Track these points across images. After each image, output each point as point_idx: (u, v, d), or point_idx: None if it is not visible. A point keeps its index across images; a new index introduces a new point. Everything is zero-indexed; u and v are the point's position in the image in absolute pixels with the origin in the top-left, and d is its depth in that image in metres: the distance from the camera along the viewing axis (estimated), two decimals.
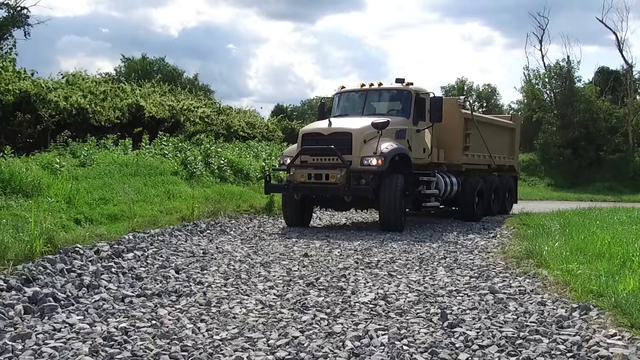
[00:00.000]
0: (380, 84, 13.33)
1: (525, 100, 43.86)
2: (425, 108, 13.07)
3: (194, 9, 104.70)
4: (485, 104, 49.17)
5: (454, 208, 15.42)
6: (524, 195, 27.59)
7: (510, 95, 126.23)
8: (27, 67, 18.89)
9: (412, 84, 13.09)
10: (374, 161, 11.28)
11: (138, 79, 37.86)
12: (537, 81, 41.36)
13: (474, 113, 15.84)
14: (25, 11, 33.57)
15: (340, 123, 12.12)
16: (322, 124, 12.36)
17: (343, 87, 14.05)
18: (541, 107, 40.24)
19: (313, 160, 11.79)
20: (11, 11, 32.82)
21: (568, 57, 39.54)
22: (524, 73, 53.11)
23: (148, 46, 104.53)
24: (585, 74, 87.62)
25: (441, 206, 14.32)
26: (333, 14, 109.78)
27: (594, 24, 75.72)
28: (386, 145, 11.46)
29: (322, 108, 14.70)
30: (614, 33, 39.17)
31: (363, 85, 13.61)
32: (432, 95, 13.03)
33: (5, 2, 32.58)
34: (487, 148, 15.73)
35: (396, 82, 13.29)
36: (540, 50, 44.01)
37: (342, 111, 13.56)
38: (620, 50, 39.24)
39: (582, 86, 39.46)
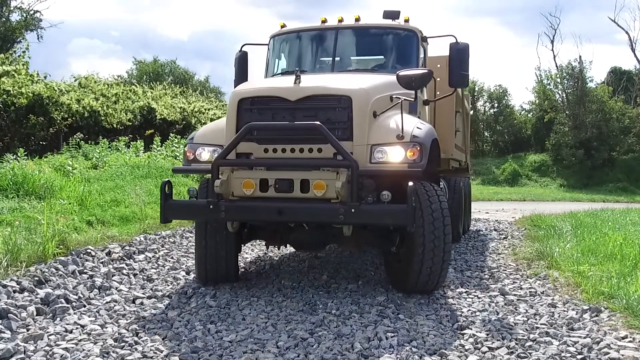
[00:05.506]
0: (357, 19, 7.57)
1: (537, 101, 43.66)
2: (426, 60, 7.86)
3: (202, 11, 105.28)
4: (496, 105, 48.91)
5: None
6: (536, 197, 27.51)
7: (521, 96, 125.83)
8: (39, 69, 19.11)
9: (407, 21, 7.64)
10: (398, 153, 5.56)
11: (149, 81, 38.18)
12: (548, 81, 41.19)
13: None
14: (37, 14, 33.98)
15: (323, 79, 6.39)
16: (282, 82, 6.34)
17: (284, 26, 7.96)
18: (553, 108, 40.05)
19: (266, 152, 5.74)
20: (24, 15, 33.21)
21: (580, 57, 39.40)
22: (535, 73, 53.02)
23: (158, 49, 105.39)
24: (597, 74, 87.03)
25: None
26: (341, 14, 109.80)
27: (607, 24, 75.39)
28: (417, 123, 5.90)
29: (245, 61, 8.27)
30: (627, 32, 39.05)
31: (325, 21, 7.67)
32: (454, 40, 7.23)
33: (18, 6, 32.97)
34: (465, 137, 11.24)
35: (385, 17, 7.62)
36: (552, 50, 43.92)
37: (286, 66, 7.71)
38: (633, 50, 39.05)
39: (595, 86, 39.24)
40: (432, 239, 5.79)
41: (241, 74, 8.14)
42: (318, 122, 5.48)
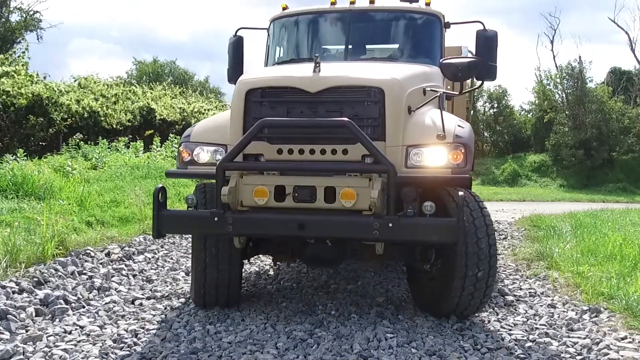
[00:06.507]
0: (372, 1, 6.60)
1: (537, 101, 43.66)
2: (444, 50, 6.72)
3: (202, 11, 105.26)
4: (496, 105, 48.92)
5: None
6: (536, 197, 27.50)
7: (521, 96, 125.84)
8: (39, 70, 19.15)
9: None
10: (440, 156, 4.77)
11: (149, 81, 38.23)
12: (548, 82, 41.19)
13: None
14: (37, 15, 34.02)
15: (348, 68, 5.56)
16: (299, 70, 5.31)
17: (286, 8, 7.01)
18: (553, 108, 40.04)
19: (279, 153, 4.87)
20: (24, 15, 33.25)
21: (580, 57, 39.40)
22: (535, 74, 52.98)
23: (158, 49, 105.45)
24: (597, 74, 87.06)
25: None
26: None
27: (606, 24, 75.41)
28: (457, 121, 5.09)
29: (240, 48, 7.18)
30: (626, 33, 39.05)
31: (334, 3, 6.75)
32: (481, 27, 6.25)
33: (18, 6, 33.01)
34: None
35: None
36: (552, 50, 43.92)
37: (289, 54, 6.78)
38: (633, 50, 39.05)
39: (594, 86, 39.24)
40: (475, 252, 4.87)
41: (236, 62, 7.12)
42: (347, 119, 4.60)
